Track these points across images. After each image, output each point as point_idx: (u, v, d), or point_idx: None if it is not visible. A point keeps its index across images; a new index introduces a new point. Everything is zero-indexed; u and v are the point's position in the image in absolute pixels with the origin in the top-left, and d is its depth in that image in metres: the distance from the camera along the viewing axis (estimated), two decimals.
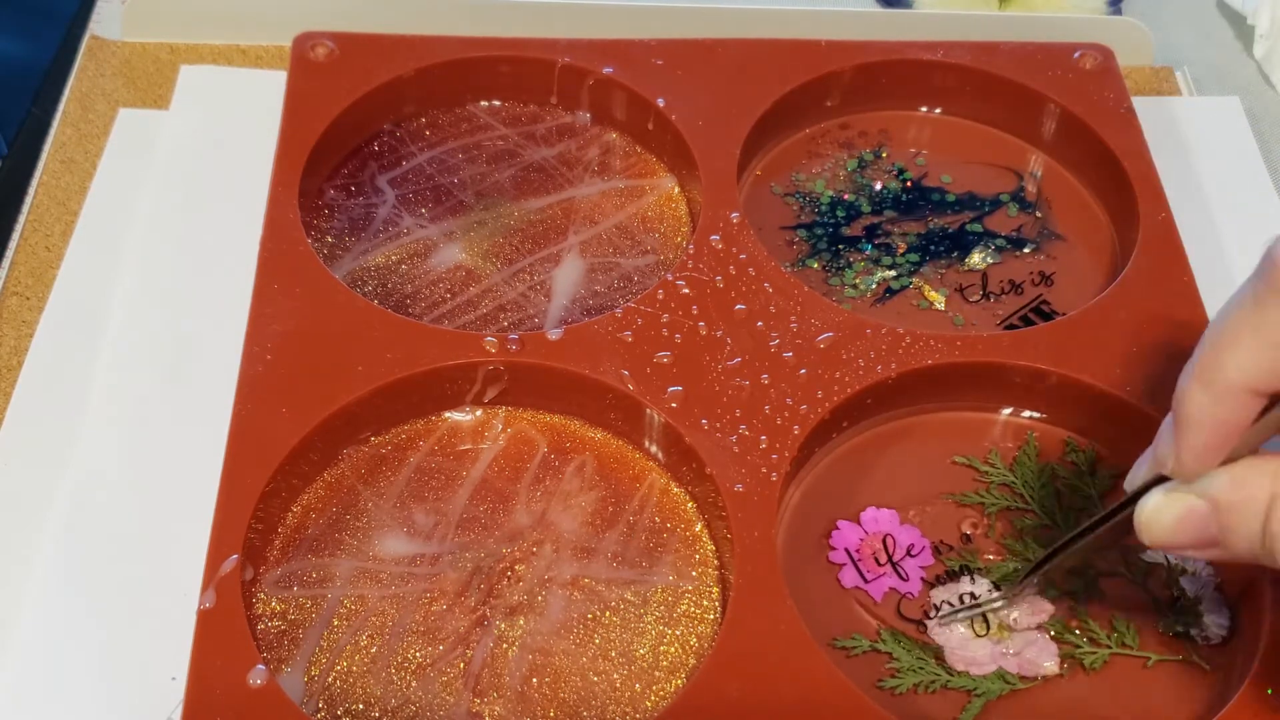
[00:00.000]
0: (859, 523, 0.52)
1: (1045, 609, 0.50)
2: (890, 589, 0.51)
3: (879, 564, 0.51)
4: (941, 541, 0.52)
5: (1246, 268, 0.63)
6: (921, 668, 0.49)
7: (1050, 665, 0.49)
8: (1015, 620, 0.50)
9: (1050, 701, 0.49)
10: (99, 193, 0.63)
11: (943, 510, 0.53)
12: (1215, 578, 0.52)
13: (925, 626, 0.50)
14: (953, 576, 0.51)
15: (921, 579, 0.51)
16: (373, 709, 0.47)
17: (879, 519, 0.52)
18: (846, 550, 0.51)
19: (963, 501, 0.53)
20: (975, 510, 0.53)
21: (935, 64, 0.65)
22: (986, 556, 0.52)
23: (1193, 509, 0.41)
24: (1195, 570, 0.52)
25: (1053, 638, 0.50)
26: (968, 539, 0.52)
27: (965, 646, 0.49)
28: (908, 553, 0.52)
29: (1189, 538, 0.42)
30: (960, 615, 0.50)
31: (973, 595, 0.50)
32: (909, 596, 0.51)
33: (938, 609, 0.50)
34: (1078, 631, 0.50)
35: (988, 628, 0.50)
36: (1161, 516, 0.42)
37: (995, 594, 0.50)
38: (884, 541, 0.52)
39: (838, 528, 0.52)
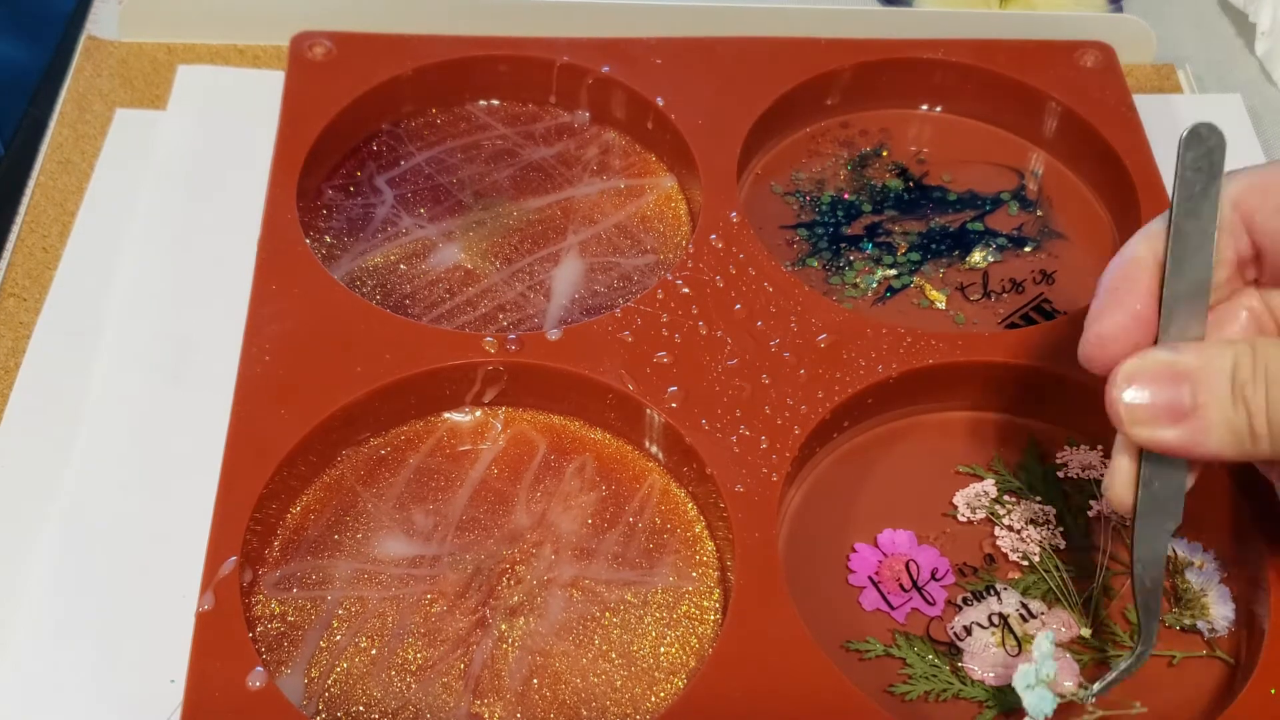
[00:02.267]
0: (876, 545, 0.52)
1: (1075, 628, 0.50)
2: (914, 610, 0.51)
3: (904, 590, 0.51)
4: (965, 564, 0.52)
5: None
6: (934, 675, 0.49)
7: (1069, 686, 0.49)
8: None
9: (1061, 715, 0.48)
10: (96, 193, 0.62)
11: (960, 530, 0.53)
12: (1221, 571, 0.52)
13: (958, 650, 0.49)
14: (979, 597, 0.51)
15: (947, 601, 0.51)
16: (372, 711, 0.47)
17: (897, 541, 0.52)
18: (870, 577, 0.51)
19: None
20: (990, 526, 0.53)
21: (936, 62, 0.65)
22: (1010, 576, 0.51)
23: (1164, 364, 0.42)
24: (1201, 563, 0.52)
25: (1075, 642, 0.50)
26: (990, 560, 0.52)
27: (986, 656, 0.49)
28: (932, 576, 0.51)
29: (1162, 399, 0.42)
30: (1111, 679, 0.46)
31: (1002, 615, 0.50)
32: (937, 620, 0.50)
33: (969, 631, 0.50)
34: (1099, 639, 0.50)
35: (1019, 645, 0.49)
36: (1137, 371, 0.42)
37: (1089, 690, 0.47)
38: (907, 566, 0.51)
39: (855, 550, 0.52)
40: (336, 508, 0.52)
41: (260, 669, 0.45)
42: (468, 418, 0.55)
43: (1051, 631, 0.48)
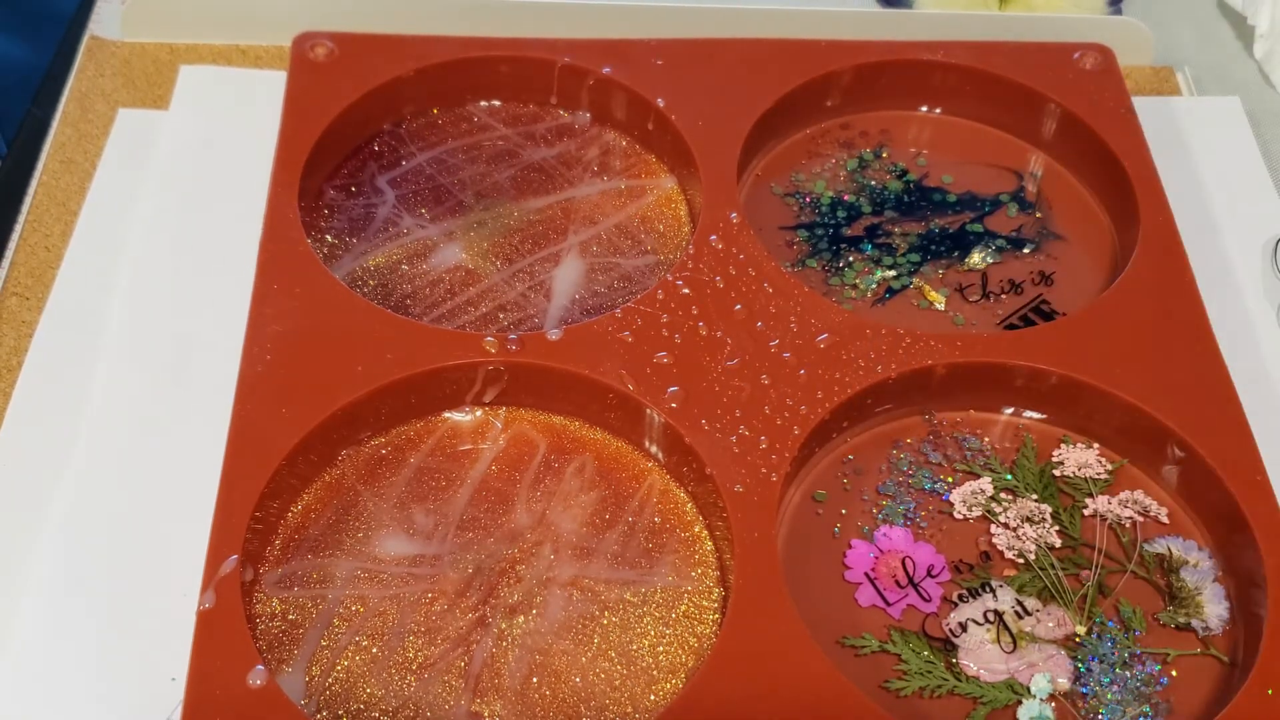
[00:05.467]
0: (873, 541, 0.52)
1: (1069, 625, 0.50)
2: (910, 607, 0.51)
3: (900, 586, 0.51)
4: (961, 560, 0.52)
5: (1247, 268, 0.63)
6: (929, 671, 0.49)
7: (1064, 683, 0.49)
8: (1039, 632, 0.50)
9: (1058, 712, 0.48)
10: (98, 193, 0.63)
11: (957, 527, 0.53)
12: (1216, 569, 0.52)
13: (954, 646, 0.50)
14: (975, 594, 0.51)
15: (943, 598, 0.51)
16: (373, 709, 0.47)
17: (892, 537, 0.52)
18: (866, 574, 0.51)
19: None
20: (986, 524, 0.53)
21: (935, 64, 0.65)
22: (1006, 573, 0.52)
23: None
24: (1196, 561, 0.52)
25: (1070, 639, 0.50)
26: (986, 556, 0.52)
27: (982, 653, 0.49)
28: (928, 573, 0.51)
29: None
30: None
31: (997, 612, 0.50)
32: (933, 616, 0.50)
33: (964, 627, 0.50)
34: (1095, 636, 0.50)
35: (1014, 642, 0.50)
36: None
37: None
38: (903, 563, 0.52)
39: (851, 546, 0.52)
40: (337, 507, 0.52)
41: (261, 667, 0.45)
42: (468, 417, 0.55)
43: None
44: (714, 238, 0.58)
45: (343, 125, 0.62)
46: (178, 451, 0.54)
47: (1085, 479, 0.54)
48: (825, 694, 0.46)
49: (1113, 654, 0.49)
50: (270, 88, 0.65)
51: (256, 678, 0.45)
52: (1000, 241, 0.62)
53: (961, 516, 0.53)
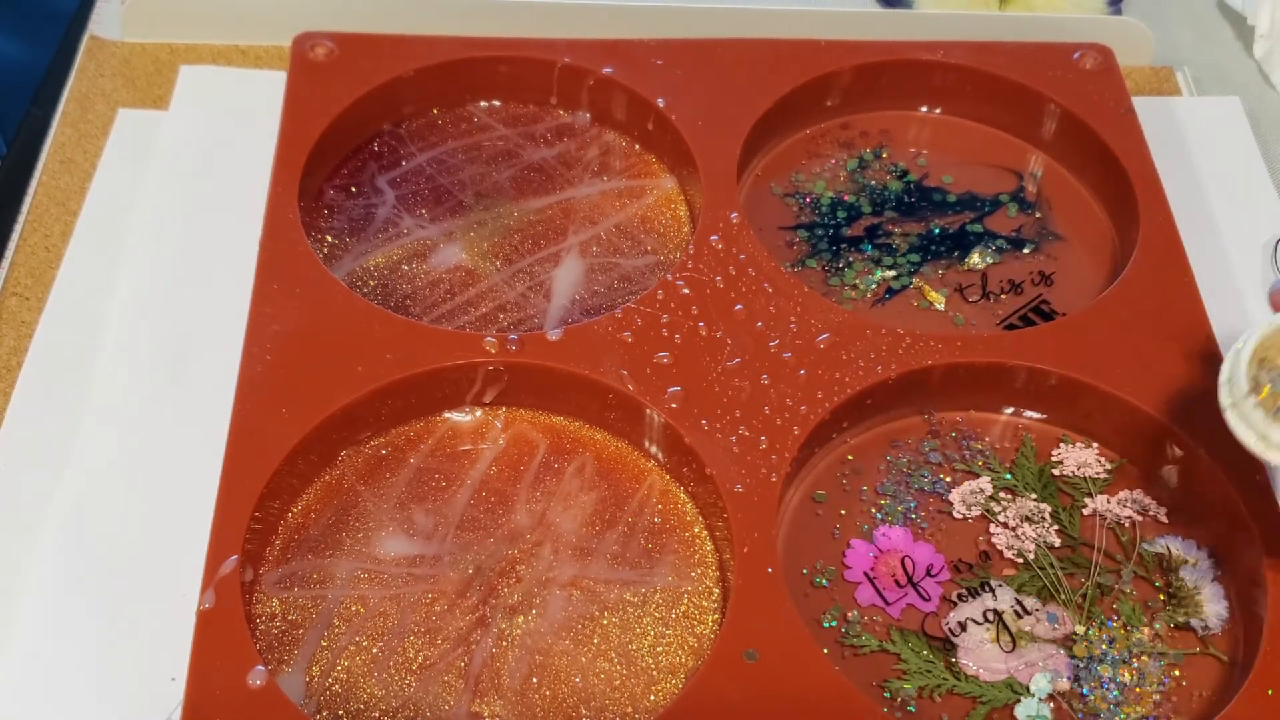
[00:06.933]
0: (872, 541, 0.52)
1: (1068, 624, 0.50)
2: (909, 606, 0.51)
3: (899, 585, 0.51)
4: (960, 560, 0.52)
5: (1247, 268, 0.63)
6: (929, 670, 0.49)
7: (1063, 683, 0.49)
8: (1039, 632, 0.50)
9: (1056, 713, 0.48)
10: (98, 193, 0.63)
11: (956, 526, 0.53)
12: (1215, 569, 0.52)
13: (953, 645, 0.50)
14: (974, 594, 0.51)
15: (942, 597, 0.51)
16: (373, 709, 0.47)
17: (891, 536, 0.52)
18: (865, 573, 0.51)
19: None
20: (986, 523, 0.53)
21: (935, 64, 0.65)
22: (1005, 572, 0.51)
23: None
24: (1195, 561, 0.52)
25: (1069, 638, 0.50)
26: (986, 556, 0.52)
27: (981, 652, 0.49)
28: (927, 573, 0.51)
29: None
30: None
31: (996, 611, 0.50)
32: (932, 615, 0.50)
33: (964, 627, 0.50)
34: (1094, 636, 0.50)
35: (1013, 642, 0.50)
36: None
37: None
38: (902, 562, 0.52)
39: (851, 546, 0.52)
40: (337, 507, 0.52)
41: (261, 667, 0.45)
42: (468, 418, 0.55)
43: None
44: (714, 238, 0.58)
45: (343, 125, 0.62)
46: (177, 451, 0.54)
47: (1084, 478, 0.54)
48: (824, 694, 0.46)
49: (1112, 653, 0.49)
50: (270, 88, 0.65)
51: (256, 678, 0.45)
52: (1000, 242, 0.62)
53: (961, 516, 0.53)
